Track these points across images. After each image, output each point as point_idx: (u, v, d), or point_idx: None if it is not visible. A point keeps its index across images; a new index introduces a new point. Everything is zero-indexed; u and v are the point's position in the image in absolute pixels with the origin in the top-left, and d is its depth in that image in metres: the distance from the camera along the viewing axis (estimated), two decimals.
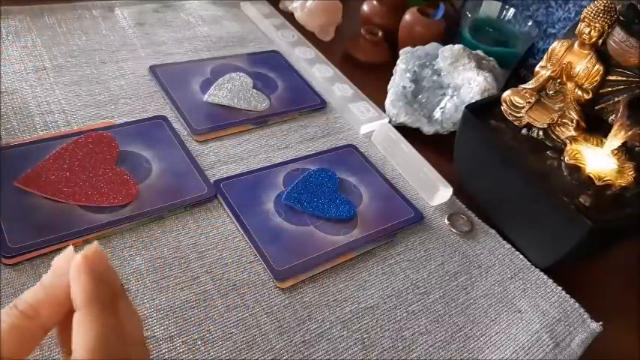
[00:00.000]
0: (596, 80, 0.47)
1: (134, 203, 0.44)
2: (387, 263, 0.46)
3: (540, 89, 0.50)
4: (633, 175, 0.44)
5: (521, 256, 0.49)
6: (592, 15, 0.45)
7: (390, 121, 0.60)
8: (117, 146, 0.48)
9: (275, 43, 0.69)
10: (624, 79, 0.47)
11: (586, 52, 0.47)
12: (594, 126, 0.48)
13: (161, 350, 0.36)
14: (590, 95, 0.47)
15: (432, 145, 0.59)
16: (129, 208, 0.43)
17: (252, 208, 0.47)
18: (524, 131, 0.50)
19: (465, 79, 0.59)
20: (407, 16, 0.70)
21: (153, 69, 0.58)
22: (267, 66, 0.64)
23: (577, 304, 0.46)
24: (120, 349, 0.22)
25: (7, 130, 0.47)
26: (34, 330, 0.22)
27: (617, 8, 0.44)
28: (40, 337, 0.23)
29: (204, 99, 0.56)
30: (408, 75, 0.62)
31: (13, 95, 0.51)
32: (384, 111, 0.61)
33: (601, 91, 0.48)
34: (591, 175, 0.44)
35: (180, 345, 0.36)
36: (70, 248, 0.24)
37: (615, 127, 0.44)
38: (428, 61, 0.63)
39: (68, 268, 0.23)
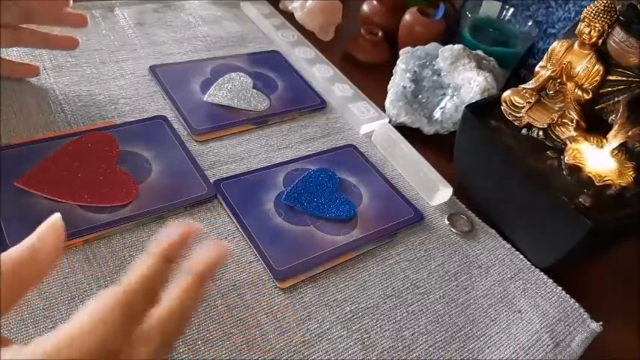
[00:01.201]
0: (596, 80, 0.47)
1: (134, 203, 0.44)
2: (387, 263, 0.46)
3: (540, 89, 0.50)
4: (633, 175, 0.44)
5: (521, 256, 0.49)
6: (592, 15, 0.45)
7: (390, 121, 0.60)
8: (117, 146, 0.48)
9: (275, 43, 0.69)
10: (624, 79, 0.47)
11: (586, 52, 0.47)
12: (594, 126, 0.48)
13: None
14: (590, 95, 0.47)
15: (432, 145, 0.59)
16: (129, 208, 0.43)
17: (252, 208, 0.47)
18: (524, 131, 0.50)
19: (465, 79, 0.59)
20: (407, 16, 0.70)
21: (153, 69, 0.58)
22: (267, 66, 0.64)
23: (577, 304, 0.46)
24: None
25: (7, 130, 0.47)
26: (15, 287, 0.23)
27: (617, 8, 0.44)
28: (20, 297, 0.24)
29: (204, 99, 0.56)
30: (408, 75, 0.62)
31: (13, 95, 0.51)
32: (384, 111, 0.61)
33: (601, 91, 0.48)
34: (591, 175, 0.44)
35: (180, 345, 0.36)
36: (58, 216, 0.26)
37: (615, 127, 0.44)
38: (428, 61, 0.63)
39: (53, 238, 0.25)
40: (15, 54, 0.55)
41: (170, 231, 0.26)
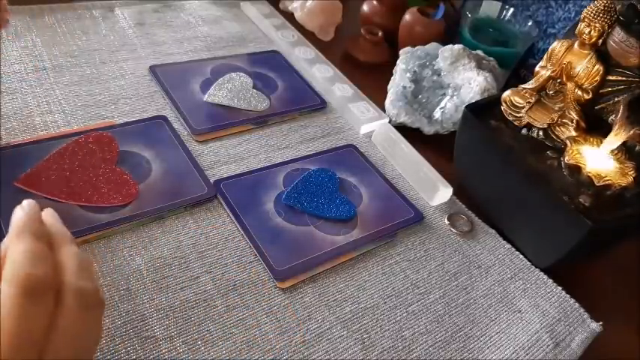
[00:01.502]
0: (596, 80, 0.47)
1: (134, 203, 0.44)
2: (387, 263, 0.46)
3: (540, 89, 0.50)
4: (633, 175, 0.44)
5: (521, 256, 0.49)
6: (592, 15, 0.45)
7: (390, 121, 0.60)
8: (117, 146, 0.48)
9: (275, 43, 0.69)
10: (624, 79, 0.47)
11: (586, 52, 0.47)
12: (594, 126, 0.48)
13: (161, 350, 0.36)
14: (590, 95, 0.47)
15: (432, 145, 0.59)
16: (129, 208, 0.43)
17: (252, 208, 0.47)
18: (524, 131, 0.50)
19: (465, 79, 0.59)
20: (407, 16, 0.70)
21: (153, 69, 0.58)
22: (267, 66, 0.64)
23: (577, 304, 0.46)
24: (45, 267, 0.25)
25: (7, 130, 0.47)
26: None
27: (617, 8, 0.44)
28: None
29: (204, 99, 0.56)
30: (408, 75, 0.62)
31: (13, 95, 0.51)
32: (384, 111, 0.61)
33: (601, 91, 0.48)
34: (591, 175, 0.44)
35: (180, 345, 0.36)
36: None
37: (615, 127, 0.44)
38: (428, 61, 0.63)
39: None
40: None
41: (19, 211, 0.27)
